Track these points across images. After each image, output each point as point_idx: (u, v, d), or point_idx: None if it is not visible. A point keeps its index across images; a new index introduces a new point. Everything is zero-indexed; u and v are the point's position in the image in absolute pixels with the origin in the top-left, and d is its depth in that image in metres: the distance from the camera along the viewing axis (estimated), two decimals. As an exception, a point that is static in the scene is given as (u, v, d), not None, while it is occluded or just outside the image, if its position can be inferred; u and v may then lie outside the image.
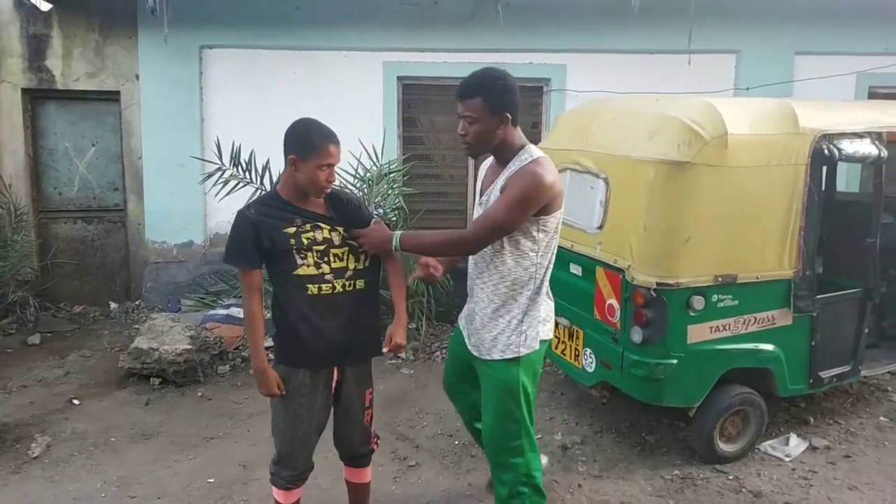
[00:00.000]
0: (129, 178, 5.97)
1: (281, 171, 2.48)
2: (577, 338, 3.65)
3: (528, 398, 2.51)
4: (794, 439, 3.69)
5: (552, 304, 2.60)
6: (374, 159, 5.24)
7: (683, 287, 3.16)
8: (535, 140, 5.21)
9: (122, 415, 4.05)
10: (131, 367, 4.44)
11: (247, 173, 4.84)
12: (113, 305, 5.97)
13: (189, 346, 4.48)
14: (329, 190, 2.35)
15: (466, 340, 2.63)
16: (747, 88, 5.69)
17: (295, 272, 2.32)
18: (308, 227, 2.34)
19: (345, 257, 2.39)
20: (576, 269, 3.68)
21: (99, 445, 3.68)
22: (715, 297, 3.23)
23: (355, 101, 5.80)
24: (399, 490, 3.28)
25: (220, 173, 4.81)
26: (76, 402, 4.21)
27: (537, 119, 6.02)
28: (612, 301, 3.37)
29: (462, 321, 2.71)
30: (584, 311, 3.59)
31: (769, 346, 3.40)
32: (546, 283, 2.51)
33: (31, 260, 5.75)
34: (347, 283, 2.40)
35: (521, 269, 2.42)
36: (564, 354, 3.79)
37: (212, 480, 3.35)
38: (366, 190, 5.02)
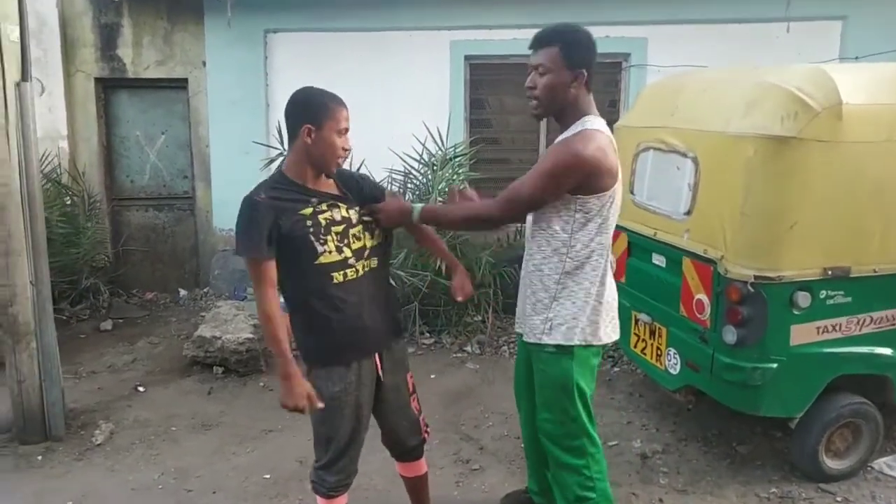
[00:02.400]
0: (198, 165, 5.98)
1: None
2: (660, 336, 3.30)
3: (584, 395, 2.31)
4: (914, 457, 3.22)
5: (611, 300, 2.33)
6: (440, 143, 5.00)
7: (786, 281, 2.76)
8: (613, 120, 4.83)
9: (184, 403, 4.02)
10: (195, 355, 4.41)
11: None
12: (182, 293, 6.03)
13: (251, 335, 4.41)
14: (343, 161, 2.18)
15: (518, 323, 2.49)
16: (856, 58, 5.08)
17: (317, 262, 2.11)
18: (324, 206, 2.15)
19: (362, 236, 2.22)
20: (659, 260, 3.33)
21: (160, 434, 3.64)
22: (823, 294, 2.82)
23: (421, 83, 5.57)
24: (461, 496, 3.05)
25: (281, 159, 4.70)
26: (141, 389, 4.22)
27: (615, 97, 5.61)
28: (702, 296, 3.00)
29: None
30: (668, 306, 3.23)
31: (887, 351, 2.96)
32: (591, 273, 2.24)
33: (104, 247, 5.86)
34: (366, 264, 2.22)
35: (549, 250, 2.24)
36: (645, 353, 3.45)
37: (268, 476, 3.23)
38: (430, 175, 4.79)
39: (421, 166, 4.92)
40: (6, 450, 3.46)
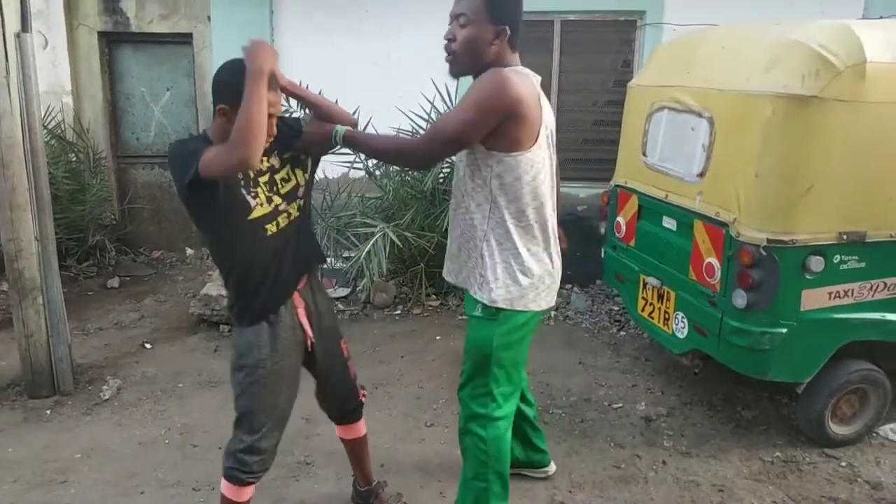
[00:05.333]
0: (203, 123, 5.90)
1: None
2: (668, 300, 3.26)
3: (501, 364, 2.16)
4: (921, 424, 3.21)
5: (547, 267, 2.14)
6: (449, 101, 4.90)
7: (800, 245, 2.71)
8: (627, 80, 4.71)
9: (190, 360, 4.04)
10: (201, 313, 4.42)
11: (314, 116, 4.61)
12: (189, 251, 6.02)
13: (257, 295, 4.40)
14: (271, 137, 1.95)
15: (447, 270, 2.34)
16: (880, 17, 4.90)
17: (250, 217, 2.01)
18: None
19: (291, 175, 2.12)
20: (669, 223, 3.27)
21: (167, 391, 3.67)
22: (837, 258, 2.77)
23: (431, 39, 5.40)
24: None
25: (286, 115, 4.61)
26: (148, 345, 4.24)
27: (629, 57, 5.44)
28: (712, 260, 2.95)
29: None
30: (677, 270, 3.19)
31: (900, 317, 2.92)
32: (527, 239, 2.08)
33: (110, 204, 5.83)
34: (299, 204, 2.13)
35: (479, 215, 2.07)
36: (652, 317, 3.41)
37: (274, 433, 3.25)
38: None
39: (428, 126, 4.82)
40: (16, 403, 3.50)
